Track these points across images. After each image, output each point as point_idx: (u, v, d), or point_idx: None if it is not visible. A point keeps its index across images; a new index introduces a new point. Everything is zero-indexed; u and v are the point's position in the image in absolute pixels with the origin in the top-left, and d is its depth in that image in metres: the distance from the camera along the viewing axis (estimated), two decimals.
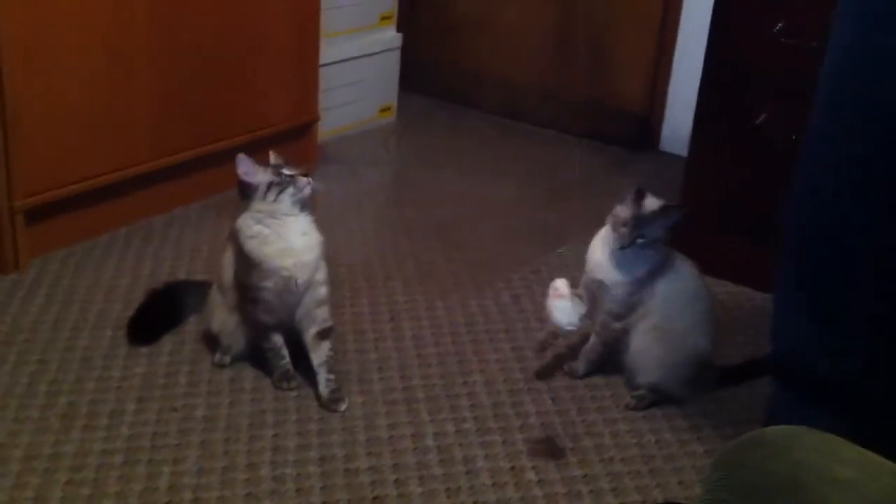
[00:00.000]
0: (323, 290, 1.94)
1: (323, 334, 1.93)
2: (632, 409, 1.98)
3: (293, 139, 2.99)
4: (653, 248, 1.91)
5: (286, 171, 1.88)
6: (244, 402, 1.92)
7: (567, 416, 1.94)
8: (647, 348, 1.96)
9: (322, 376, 1.91)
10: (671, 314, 1.95)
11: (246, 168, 1.88)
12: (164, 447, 1.77)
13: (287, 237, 1.88)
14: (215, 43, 2.65)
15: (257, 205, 1.88)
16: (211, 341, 2.04)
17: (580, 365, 2.06)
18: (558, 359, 2.12)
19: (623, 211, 1.90)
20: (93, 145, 2.42)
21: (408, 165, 3.26)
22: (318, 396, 1.92)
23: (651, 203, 1.90)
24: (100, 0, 2.33)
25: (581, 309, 1.81)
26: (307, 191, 1.89)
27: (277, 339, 1.95)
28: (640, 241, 1.88)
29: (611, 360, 2.05)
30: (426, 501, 1.68)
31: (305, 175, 1.89)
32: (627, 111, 3.50)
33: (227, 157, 2.76)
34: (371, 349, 2.13)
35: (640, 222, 1.88)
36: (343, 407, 1.90)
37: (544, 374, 2.08)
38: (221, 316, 1.98)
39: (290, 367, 1.96)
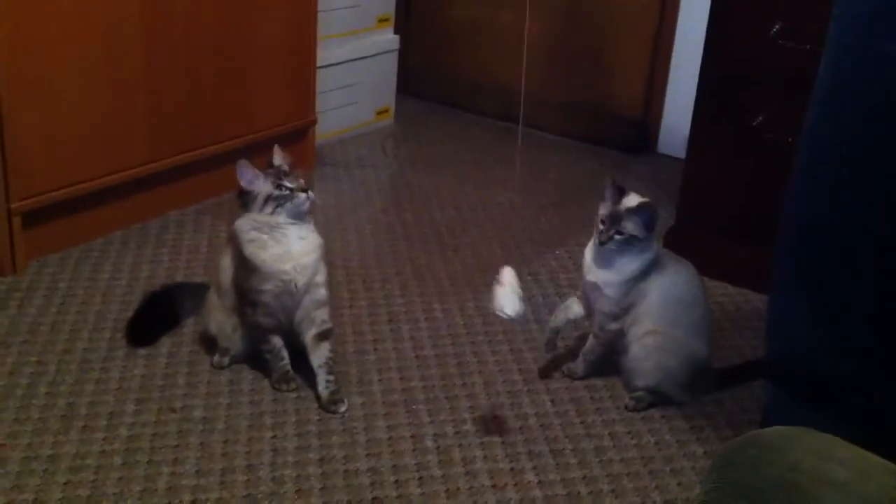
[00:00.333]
0: (322, 292, 1.94)
1: (322, 336, 1.93)
2: (630, 410, 1.98)
3: (290, 142, 2.99)
4: (641, 248, 1.91)
5: (286, 184, 1.86)
6: (243, 403, 1.92)
7: (566, 417, 1.95)
8: (645, 353, 1.96)
9: (322, 377, 1.92)
10: (669, 318, 1.95)
11: (246, 175, 1.87)
12: (162, 448, 1.77)
13: (285, 242, 1.88)
14: (212, 46, 2.65)
15: (254, 214, 1.88)
16: (209, 343, 2.04)
17: (579, 366, 2.06)
18: (557, 360, 2.12)
19: (604, 208, 1.91)
20: (89, 148, 2.42)
21: (405, 168, 3.26)
22: (317, 397, 1.92)
23: (631, 200, 1.91)
24: (95, 4, 2.34)
25: (520, 302, 1.75)
26: (305, 207, 1.88)
27: (277, 342, 1.95)
28: (617, 237, 1.89)
29: (609, 361, 2.05)
30: (426, 502, 1.69)
31: (305, 191, 1.87)
32: (625, 114, 3.50)
33: (224, 161, 2.79)
34: (370, 351, 2.13)
35: (616, 218, 1.89)
36: (343, 408, 1.90)
37: (547, 372, 2.08)
38: (219, 318, 1.99)
39: (289, 368, 1.97)
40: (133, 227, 2.61)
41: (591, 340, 2.04)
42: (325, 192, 2.94)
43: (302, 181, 1.88)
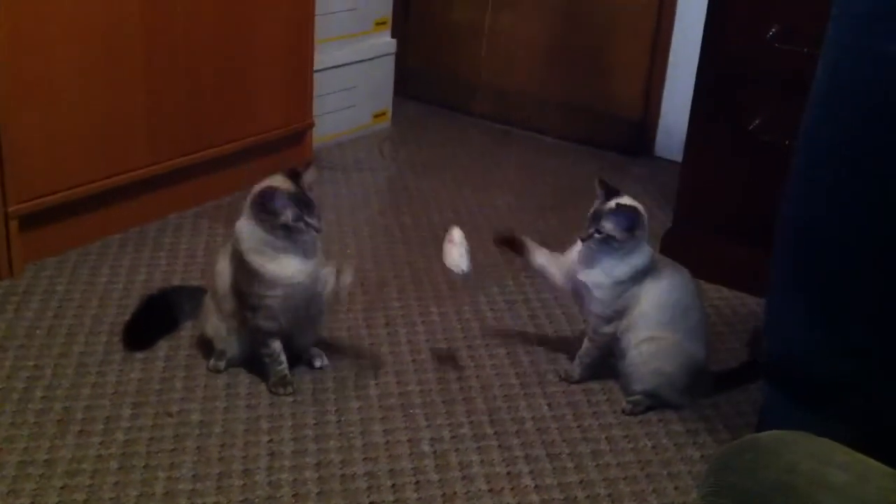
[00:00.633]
0: (327, 289, 1.95)
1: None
2: (628, 414, 1.98)
3: (288, 145, 2.99)
4: (627, 250, 1.91)
5: (309, 221, 1.83)
6: (240, 407, 1.91)
7: (563, 421, 1.94)
8: (642, 358, 1.96)
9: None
10: (665, 324, 1.95)
11: (279, 203, 1.81)
12: (159, 453, 1.76)
13: (289, 254, 1.87)
14: (210, 50, 2.65)
15: (267, 228, 1.84)
16: (206, 347, 2.04)
17: (576, 370, 2.06)
18: (554, 363, 2.12)
19: (593, 207, 1.94)
20: (87, 152, 2.42)
21: (403, 171, 3.26)
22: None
23: (624, 201, 1.92)
24: (94, 7, 2.33)
25: (468, 261, 1.89)
26: (311, 238, 1.87)
27: (276, 345, 1.95)
28: (597, 235, 1.90)
29: (606, 365, 2.05)
30: None
31: (318, 230, 1.85)
32: (622, 116, 3.50)
33: (222, 164, 2.80)
34: (367, 355, 2.13)
35: (597, 217, 1.90)
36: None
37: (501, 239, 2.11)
38: (216, 322, 1.98)
39: (287, 372, 1.96)
40: (131, 231, 2.60)
41: (585, 343, 2.04)
42: (323, 196, 2.94)
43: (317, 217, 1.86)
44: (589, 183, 1.99)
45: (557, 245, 2.06)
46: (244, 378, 2.00)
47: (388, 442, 1.84)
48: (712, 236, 2.52)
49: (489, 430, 1.90)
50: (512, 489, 1.74)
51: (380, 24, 3.47)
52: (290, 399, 1.94)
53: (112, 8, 2.37)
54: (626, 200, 1.93)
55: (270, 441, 1.82)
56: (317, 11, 2.97)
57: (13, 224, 2.29)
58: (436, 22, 3.80)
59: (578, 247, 1.97)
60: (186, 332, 2.13)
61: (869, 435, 1.15)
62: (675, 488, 1.77)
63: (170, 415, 1.87)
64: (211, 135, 2.73)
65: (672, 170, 2.93)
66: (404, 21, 3.76)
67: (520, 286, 2.46)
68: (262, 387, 1.97)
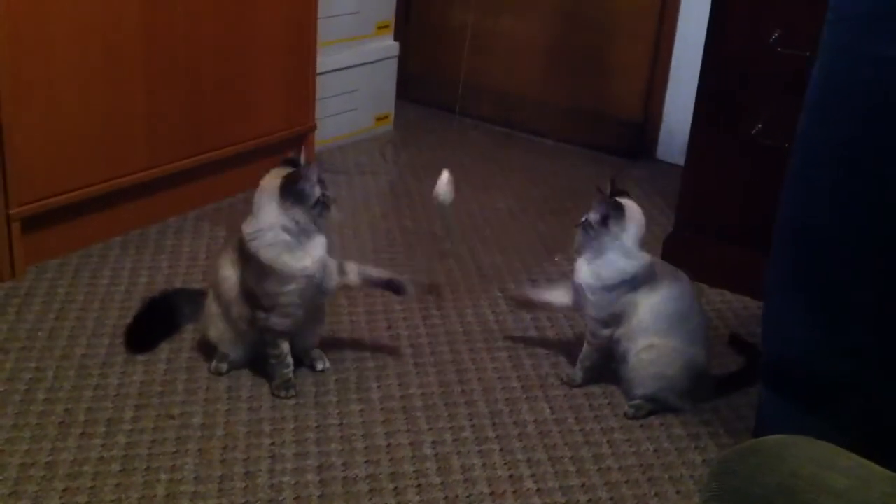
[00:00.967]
0: (332, 285, 1.97)
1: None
2: (630, 418, 1.98)
3: (290, 148, 2.98)
4: (604, 245, 1.93)
5: (328, 194, 1.89)
6: (241, 409, 1.91)
7: (565, 424, 1.94)
8: (643, 364, 1.97)
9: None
10: (665, 330, 1.95)
11: (309, 184, 1.86)
12: (161, 455, 1.76)
13: (305, 243, 1.88)
14: (211, 52, 2.65)
15: (297, 213, 1.86)
16: (208, 349, 2.04)
17: (577, 374, 2.06)
18: (555, 366, 2.12)
19: None
20: (89, 154, 2.42)
21: (404, 174, 3.26)
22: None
23: (623, 199, 1.94)
24: (95, 10, 2.34)
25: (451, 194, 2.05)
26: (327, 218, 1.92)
27: (285, 346, 1.95)
28: (584, 221, 1.95)
29: (608, 369, 2.05)
30: None
31: (334, 201, 1.94)
32: (624, 120, 3.51)
33: (223, 167, 2.80)
34: (369, 357, 2.13)
35: (589, 210, 1.95)
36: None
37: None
38: (221, 326, 1.98)
39: (291, 375, 1.96)
40: (132, 233, 2.61)
41: (585, 347, 2.05)
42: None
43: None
44: (590, 186, 2.00)
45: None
46: (246, 381, 2.00)
47: (389, 445, 1.84)
48: (714, 240, 2.52)
49: (491, 434, 1.90)
50: (514, 492, 1.74)
51: (382, 27, 3.47)
52: (292, 402, 1.94)
53: (112, 9, 2.38)
54: (624, 200, 1.93)
55: (272, 443, 1.82)
56: (319, 14, 2.97)
57: (15, 226, 2.29)
58: (437, 25, 3.80)
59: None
60: (188, 334, 2.13)
61: (869, 434, 1.15)
62: (677, 492, 1.77)
63: (171, 417, 1.87)
64: (212, 137, 2.73)
65: (673, 173, 2.94)
66: (406, 25, 3.76)
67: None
68: (264, 389, 1.97)
